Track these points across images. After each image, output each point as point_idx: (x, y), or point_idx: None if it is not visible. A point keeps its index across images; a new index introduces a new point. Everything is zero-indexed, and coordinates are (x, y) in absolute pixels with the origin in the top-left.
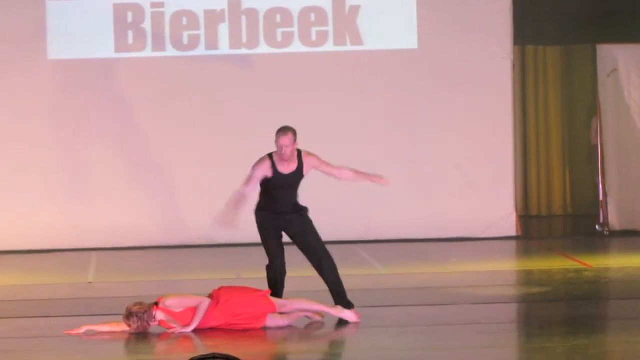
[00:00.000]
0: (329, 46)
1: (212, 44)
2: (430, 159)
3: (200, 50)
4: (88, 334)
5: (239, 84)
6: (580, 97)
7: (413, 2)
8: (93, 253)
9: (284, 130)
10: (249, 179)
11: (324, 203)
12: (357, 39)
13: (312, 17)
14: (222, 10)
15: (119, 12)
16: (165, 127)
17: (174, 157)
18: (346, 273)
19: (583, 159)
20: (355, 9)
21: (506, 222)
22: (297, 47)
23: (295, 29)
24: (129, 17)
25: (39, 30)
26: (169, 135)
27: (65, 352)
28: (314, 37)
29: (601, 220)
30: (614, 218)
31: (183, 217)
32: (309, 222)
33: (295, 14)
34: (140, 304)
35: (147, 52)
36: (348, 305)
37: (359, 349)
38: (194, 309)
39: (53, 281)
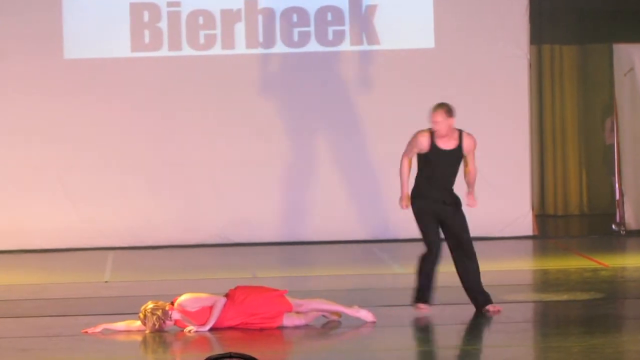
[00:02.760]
0: (345, 46)
1: (228, 43)
2: None
3: (217, 50)
4: (105, 333)
5: (255, 83)
6: (597, 96)
7: (430, 1)
8: (110, 252)
9: (437, 106)
10: (406, 151)
11: (340, 202)
12: (374, 38)
13: (329, 16)
14: (239, 10)
15: (135, 11)
16: (181, 126)
17: (190, 157)
18: (363, 273)
19: (600, 158)
20: (372, 9)
21: (523, 221)
22: (313, 46)
23: (312, 28)
24: (146, 16)
25: (55, 29)
26: (184, 135)
27: (82, 351)
28: (330, 37)
29: (618, 219)
30: (631, 217)
31: (199, 217)
32: (464, 217)
33: (312, 14)
34: (156, 303)
35: (164, 52)
36: (486, 300)
37: (375, 348)
38: (209, 309)
39: (70, 280)
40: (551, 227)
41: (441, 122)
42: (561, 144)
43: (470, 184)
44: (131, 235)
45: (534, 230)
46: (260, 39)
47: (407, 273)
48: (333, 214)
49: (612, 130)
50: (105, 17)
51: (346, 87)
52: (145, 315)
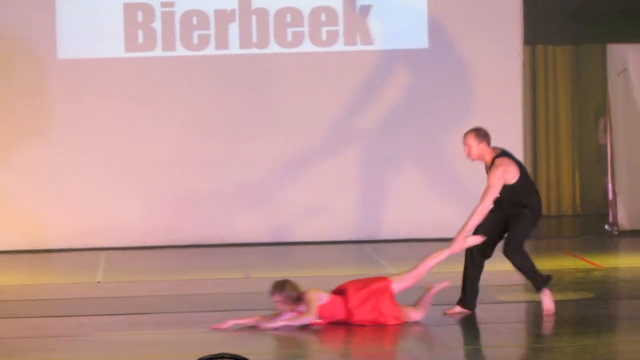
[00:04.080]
0: (339, 46)
1: (222, 43)
2: (441, 159)
3: (211, 50)
4: (234, 328)
5: (249, 84)
6: (591, 97)
7: (424, 1)
8: (102, 253)
9: (470, 130)
10: None
11: (334, 203)
12: (367, 38)
13: (323, 17)
14: (233, 10)
15: (129, 11)
16: (175, 126)
17: (185, 156)
18: (355, 273)
19: (593, 158)
20: (366, 9)
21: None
22: (307, 47)
23: (305, 28)
24: (139, 16)
25: (48, 29)
26: (178, 135)
27: (75, 352)
28: (324, 37)
29: (611, 220)
30: (624, 218)
31: (193, 217)
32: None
33: (305, 14)
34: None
35: (158, 52)
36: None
37: (362, 347)
38: (327, 306)
39: (62, 281)
40: (544, 227)
41: (471, 147)
42: (554, 144)
43: (469, 217)
44: (124, 236)
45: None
46: (254, 39)
47: (399, 273)
48: (326, 213)
49: (606, 130)
50: (99, 17)
51: (340, 87)
52: (283, 285)
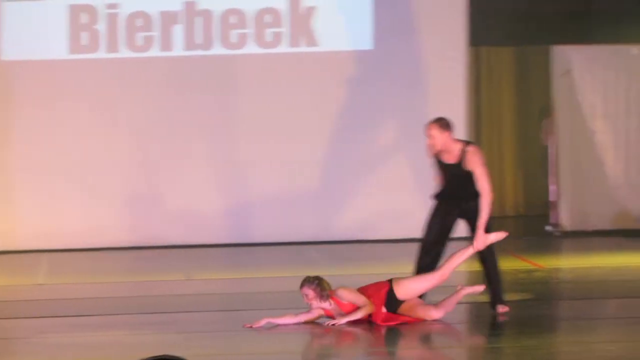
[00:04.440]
0: (284, 47)
1: (166, 45)
2: (385, 160)
3: (155, 52)
4: (267, 326)
5: (193, 85)
6: (535, 98)
7: (368, 3)
8: (44, 255)
9: (431, 120)
10: None
11: (278, 204)
12: (312, 40)
13: (268, 18)
14: (177, 12)
15: (73, 13)
16: (118, 127)
17: (128, 158)
18: (299, 274)
19: (536, 160)
20: (310, 10)
21: (459, 222)
22: (252, 48)
23: (250, 30)
24: (84, 18)
25: None
26: (121, 136)
27: (16, 355)
28: (269, 39)
29: (553, 220)
30: (566, 219)
31: (137, 218)
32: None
33: (250, 16)
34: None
35: (102, 54)
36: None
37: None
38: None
39: (3, 283)
40: (486, 228)
41: (434, 137)
42: (498, 145)
43: (481, 211)
44: (66, 238)
45: (469, 231)
46: (199, 41)
47: (341, 274)
48: (268, 214)
49: (549, 131)
50: (43, 18)
51: (285, 88)
52: (312, 280)
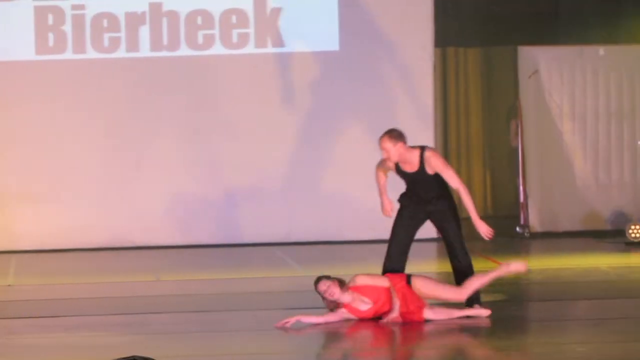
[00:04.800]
0: (250, 48)
1: (133, 46)
2: (352, 161)
3: (121, 53)
4: (296, 326)
5: (159, 86)
6: (502, 99)
7: (334, 3)
8: (13, 256)
9: (383, 134)
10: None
11: (247, 204)
12: (278, 41)
13: (234, 19)
14: (144, 13)
15: (39, 14)
16: (84, 128)
17: (96, 159)
18: (266, 275)
19: (504, 161)
20: (276, 11)
21: (426, 224)
22: (218, 49)
23: (216, 31)
24: (50, 19)
25: None
26: (89, 137)
27: None
28: (235, 40)
29: (522, 222)
30: (535, 220)
31: (105, 219)
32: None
33: (216, 17)
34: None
35: (68, 55)
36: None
37: (273, 351)
38: (382, 289)
39: None
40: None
41: (388, 150)
42: (465, 146)
43: (466, 206)
44: (36, 239)
45: (437, 233)
46: (165, 42)
47: (308, 275)
48: (238, 215)
49: (517, 132)
50: (9, 19)
51: (252, 89)
52: (321, 279)
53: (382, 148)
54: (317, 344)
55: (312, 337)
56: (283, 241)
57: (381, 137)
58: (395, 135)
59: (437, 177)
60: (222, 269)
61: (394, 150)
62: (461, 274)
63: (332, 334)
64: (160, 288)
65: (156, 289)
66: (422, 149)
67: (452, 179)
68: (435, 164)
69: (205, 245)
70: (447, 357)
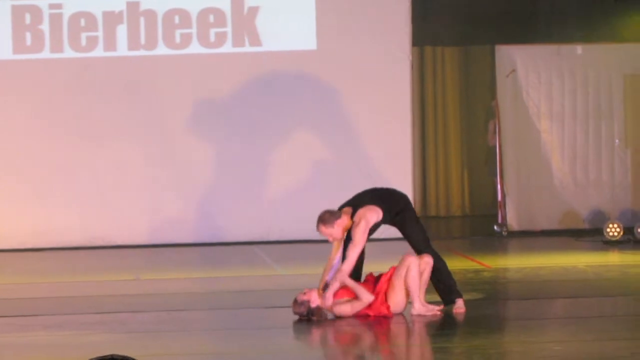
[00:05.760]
0: (227, 47)
1: (110, 45)
2: (330, 159)
3: (99, 52)
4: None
5: (137, 85)
6: (479, 98)
7: (312, 3)
8: None
9: (317, 224)
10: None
11: (224, 204)
12: (255, 40)
13: (211, 18)
14: (121, 12)
15: (17, 13)
16: (62, 128)
17: (69, 158)
18: (244, 274)
19: (482, 160)
20: (254, 10)
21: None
22: (195, 48)
23: (194, 30)
24: (27, 18)
25: None
26: (64, 136)
27: None
28: (212, 39)
29: (500, 221)
30: (513, 219)
31: (78, 219)
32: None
33: (194, 16)
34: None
35: (46, 54)
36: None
37: (260, 351)
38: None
39: None
40: (433, 228)
41: (331, 235)
42: (443, 145)
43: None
44: (11, 238)
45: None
46: (142, 41)
47: (287, 274)
48: (216, 215)
49: (495, 131)
50: None
51: (229, 88)
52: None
53: (324, 234)
54: (299, 343)
55: (292, 335)
56: (262, 240)
57: (317, 228)
58: (326, 217)
59: (385, 216)
60: (201, 268)
61: (334, 231)
62: (438, 275)
63: (314, 332)
64: (140, 287)
65: (135, 289)
66: (352, 213)
67: (354, 236)
68: (353, 231)
69: (184, 244)
70: (425, 356)
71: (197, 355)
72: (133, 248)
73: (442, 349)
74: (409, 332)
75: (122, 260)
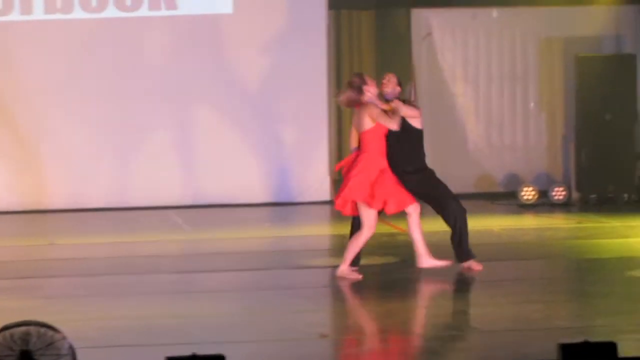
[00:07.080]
0: (144, 11)
1: (26, 9)
2: (248, 125)
3: (15, 16)
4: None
5: (53, 49)
6: (396, 61)
7: None
8: None
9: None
10: None
11: (140, 168)
12: (171, 3)
13: None
14: None
15: None
16: None
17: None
18: (158, 239)
19: None
20: None
21: (320, 186)
22: (112, 12)
23: None
24: None
25: None
26: None
27: None
28: (129, 3)
29: None
30: None
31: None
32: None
33: None
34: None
35: (15, 16)
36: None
37: (174, 315)
38: None
39: None
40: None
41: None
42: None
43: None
44: None
45: (332, 196)
46: (59, 5)
47: (203, 239)
48: (130, 179)
49: (412, 94)
50: None
51: (145, 52)
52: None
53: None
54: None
55: (210, 299)
56: (177, 204)
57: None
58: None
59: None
60: (115, 233)
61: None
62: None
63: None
64: (54, 252)
65: (50, 253)
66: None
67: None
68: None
69: (99, 208)
70: (341, 319)
71: (112, 319)
72: (47, 212)
73: (357, 312)
74: (324, 296)
75: (36, 225)
